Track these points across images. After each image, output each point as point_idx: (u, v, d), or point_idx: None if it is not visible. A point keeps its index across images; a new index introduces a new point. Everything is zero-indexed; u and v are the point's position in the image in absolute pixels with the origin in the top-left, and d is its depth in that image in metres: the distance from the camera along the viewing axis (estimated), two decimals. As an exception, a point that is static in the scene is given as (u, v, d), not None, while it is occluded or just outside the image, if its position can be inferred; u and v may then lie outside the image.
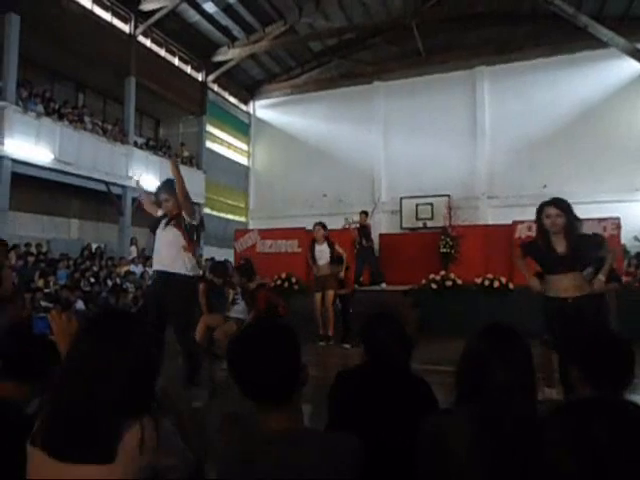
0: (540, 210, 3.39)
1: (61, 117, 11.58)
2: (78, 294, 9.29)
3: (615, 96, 13.88)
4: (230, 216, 17.81)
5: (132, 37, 13.57)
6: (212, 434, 1.31)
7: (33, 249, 10.69)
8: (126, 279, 10.45)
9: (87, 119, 12.54)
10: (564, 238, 3.33)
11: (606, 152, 13.57)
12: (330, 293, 6.78)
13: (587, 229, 7.88)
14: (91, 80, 13.72)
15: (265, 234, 10.07)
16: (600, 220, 7.97)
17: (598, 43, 12.73)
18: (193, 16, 14.51)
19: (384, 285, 8.56)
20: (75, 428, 1.15)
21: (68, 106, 12.34)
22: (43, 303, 8.24)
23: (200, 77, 16.66)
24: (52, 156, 10.83)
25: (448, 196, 14.21)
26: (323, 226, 6.97)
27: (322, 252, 6.85)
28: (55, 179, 11.19)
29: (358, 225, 8.97)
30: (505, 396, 1.31)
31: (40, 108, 11.05)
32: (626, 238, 9.43)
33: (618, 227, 7.86)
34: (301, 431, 1.23)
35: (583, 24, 12.39)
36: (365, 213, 8.98)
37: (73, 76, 13.38)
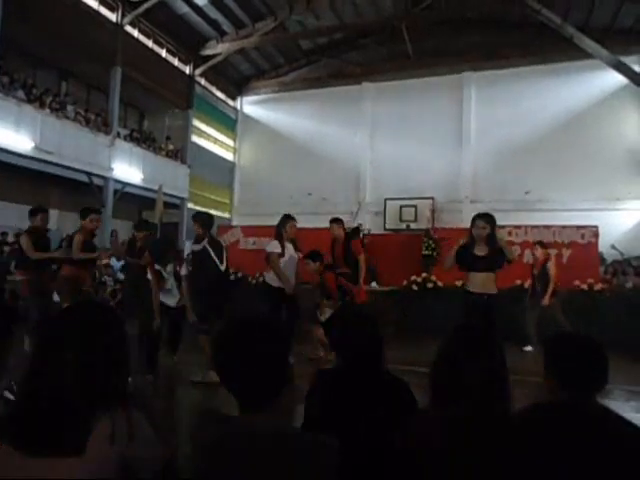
0: (472, 220, 4.27)
1: (43, 105, 11.33)
2: (52, 286, 9.09)
3: (598, 107, 14.16)
4: (214, 212, 17.65)
5: (119, 26, 13.36)
6: (188, 431, 1.28)
7: (10, 238, 10.46)
8: (105, 272, 10.28)
9: (70, 108, 12.30)
10: (486, 244, 4.16)
11: (588, 161, 13.85)
12: None
13: (566, 236, 8.08)
14: (75, 68, 13.46)
15: (248, 231, 10.01)
16: (579, 227, 8.10)
17: (583, 54, 12.96)
18: (182, 7, 14.35)
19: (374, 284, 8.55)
20: (44, 420, 1.13)
21: (50, 94, 12.08)
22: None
23: (188, 70, 16.49)
24: (32, 144, 10.59)
25: (432, 199, 14.35)
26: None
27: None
28: (35, 168, 10.94)
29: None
30: (478, 397, 1.31)
31: (21, 94, 10.79)
32: (603, 246, 9.62)
33: (596, 235, 8.00)
34: (281, 431, 1.22)
35: (569, 35, 12.60)
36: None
37: (57, 63, 13.11)
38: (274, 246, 5.24)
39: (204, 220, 5.15)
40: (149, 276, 4.73)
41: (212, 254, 4.93)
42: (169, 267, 4.76)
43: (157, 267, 4.69)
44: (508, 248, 4.33)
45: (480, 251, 4.20)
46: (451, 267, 4.46)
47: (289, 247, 5.32)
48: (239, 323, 1.26)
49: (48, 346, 1.20)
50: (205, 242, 5.00)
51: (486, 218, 4.23)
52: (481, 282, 4.15)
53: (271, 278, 5.29)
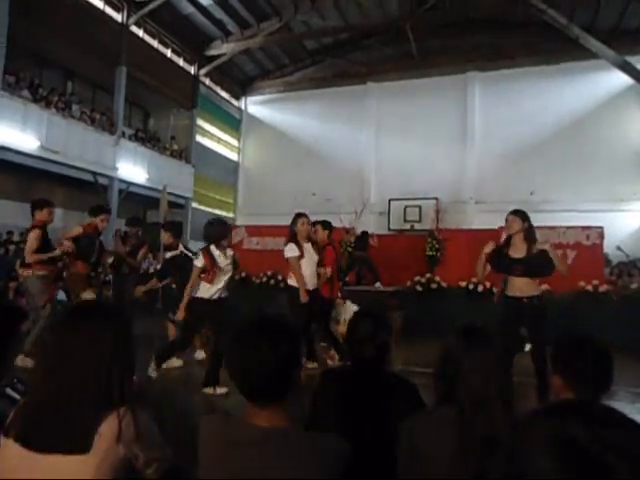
0: (505, 220, 3.86)
1: (48, 104, 11.38)
2: (59, 285, 9.13)
3: (603, 107, 14.09)
4: (217, 211, 17.70)
5: (124, 26, 13.40)
6: (194, 431, 1.28)
7: (15, 237, 10.51)
8: (110, 272, 10.29)
9: (75, 107, 12.35)
10: (524, 240, 3.71)
11: (592, 162, 13.77)
12: None
13: (571, 237, 8.05)
14: (81, 68, 13.52)
15: (252, 231, 10.02)
16: (584, 228, 8.07)
17: (588, 54, 12.90)
18: (187, 8, 14.38)
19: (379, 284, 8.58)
20: (50, 418, 1.13)
21: (56, 93, 12.14)
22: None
23: (192, 70, 16.53)
24: (38, 143, 10.65)
25: (436, 199, 14.28)
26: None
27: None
28: (41, 167, 11.00)
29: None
30: (480, 397, 1.31)
31: (27, 94, 10.85)
32: (609, 247, 9.57)
33: (601, 236, 7.97)
34: (290, 430, 1.22)
35: (575, 35, 12.55)
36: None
37: (62, 63, 13.17)
38: (291, 249, 4.88)
39: (176, 230, 5.36)
40: (197, 265, 4.22)
41: (191, 256, 5.08)
42: (229, 251, 4.31)
43: (216, 252, 4.24)
44: (558, 258, 3.71)
45: (516, 252, 3.73)
46: (484, 276, 4.01)
47: (307, 247, 4.99)
48: (249, 324, 1.27)
49: (54, 345, 1.21)
50: (182, 247, 5.32)
51: (516, 212, 3.83)
52: (519, 285, 3.71)
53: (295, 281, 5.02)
